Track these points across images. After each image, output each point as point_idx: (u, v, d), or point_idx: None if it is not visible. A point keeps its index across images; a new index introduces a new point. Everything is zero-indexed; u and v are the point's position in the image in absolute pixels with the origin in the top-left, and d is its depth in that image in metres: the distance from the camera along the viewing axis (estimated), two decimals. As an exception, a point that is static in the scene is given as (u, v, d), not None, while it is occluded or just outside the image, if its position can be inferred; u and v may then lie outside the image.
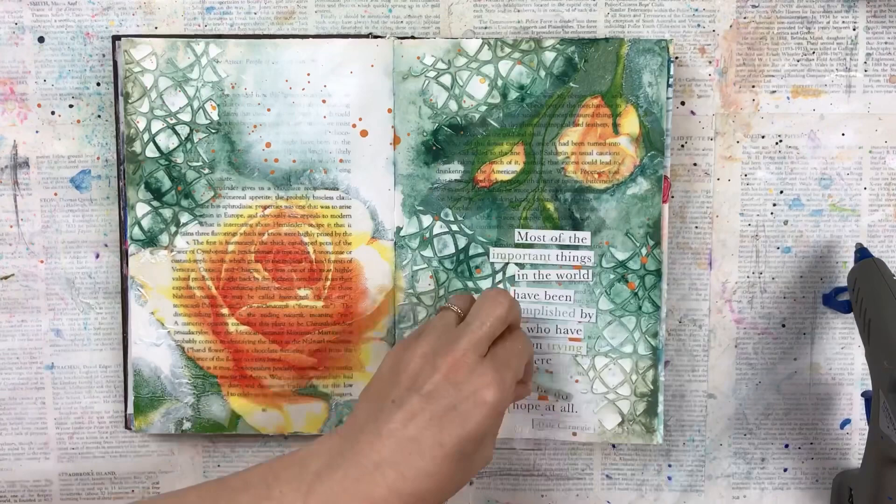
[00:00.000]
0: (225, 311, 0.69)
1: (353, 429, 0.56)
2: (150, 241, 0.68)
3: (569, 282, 0.68)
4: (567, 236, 0.68)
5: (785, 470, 0.72)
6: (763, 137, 0.70)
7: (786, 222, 0.70)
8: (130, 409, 0.70)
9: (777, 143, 0.70)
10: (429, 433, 0.55)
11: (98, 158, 0.70)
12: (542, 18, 0.69)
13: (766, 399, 0.72)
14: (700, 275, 0.71)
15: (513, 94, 0.67)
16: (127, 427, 0.70)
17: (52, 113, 0.70)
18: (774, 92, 0.70)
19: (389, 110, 0.67)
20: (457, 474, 0.55)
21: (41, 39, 0.69)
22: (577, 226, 0.67)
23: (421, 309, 0.69)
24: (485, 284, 0.68)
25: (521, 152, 0.67)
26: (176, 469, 0.73)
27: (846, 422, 0.72)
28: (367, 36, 0.68)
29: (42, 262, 0.71)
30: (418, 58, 0.67)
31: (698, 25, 0.69)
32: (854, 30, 0.69)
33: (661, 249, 0.67)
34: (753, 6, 0.69)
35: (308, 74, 0.67)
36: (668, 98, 0.66)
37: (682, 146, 0.70)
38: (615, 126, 0.67)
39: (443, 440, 0.54)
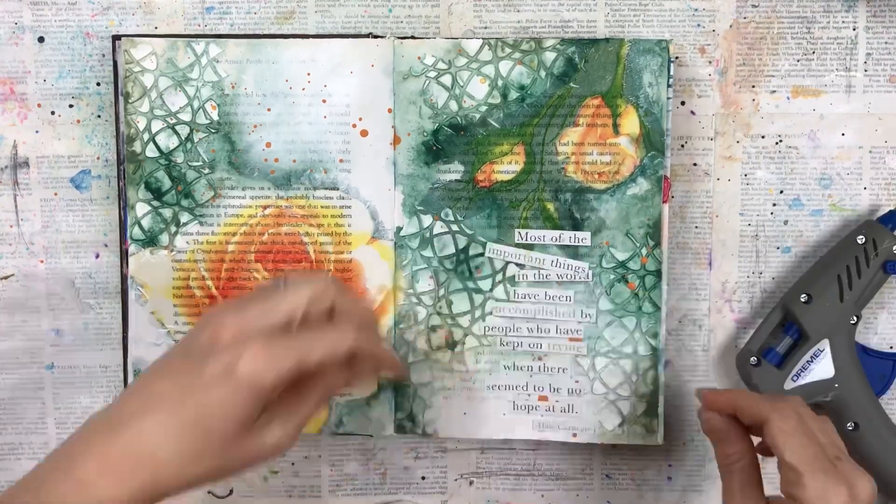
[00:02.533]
0: (225, 311, 0.69)
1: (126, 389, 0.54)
2: (150, 240, 0.68)
3: (569, 282, 0.68)
4: (567, 236, 0.68)
5: (785, 470, 0.72)
6: (763, 137, 0.70)
7: (786, 222, 0.70)
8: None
9: (777, 143, 0.70)
10: (175, 392, 0.51)
11: (98, 158, 0.70)
12: (542, 18, 0.69)
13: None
14: (700, 275, 0.71)
15: (513, 95, 0.67)
16: (127, 427, 0.70)
17: (52, 113, 0.70)
18: (774, 92, 0.70)
19: (389, 110, 0.68)
20: (204, 454, 0.50)
21: (41, 39, 0.69)
22: (577, 226, 0.67)
23: (421, 309, 0.69)
24: (485, 284, 0.68)
25: (521, 152, 0.67)
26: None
27: (846, 422, 0.72)
28: (367, 36, 0.68)
29: (42, 262, 0.71)
30: (419, 58, 0.67)
31: (698, 25, 0.69)
32: (854, 30, 0.69)
33: (662, 250, 0.67)
34: (753, 6, 0.69)
35: (308, 74, 0.67)
36: (668, 98, 0.66)
37: (682, 146, 0.70)
38: (615, 126, 0.67)
39: (185, 401, 0.50)
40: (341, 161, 0.68)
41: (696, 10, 0.69)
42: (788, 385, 0.67)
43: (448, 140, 0.67)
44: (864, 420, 0.68)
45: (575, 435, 0.69)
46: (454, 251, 0.68)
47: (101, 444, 0.50)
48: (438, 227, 0.68)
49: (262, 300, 0.53)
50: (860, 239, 0.67)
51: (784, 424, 0.56)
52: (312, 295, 0.54)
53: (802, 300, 0.67)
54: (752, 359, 0.68)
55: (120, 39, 0.67)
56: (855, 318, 0.67)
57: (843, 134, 0.70)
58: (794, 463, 0.54)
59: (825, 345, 0.67)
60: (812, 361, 0.67)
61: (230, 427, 0.50)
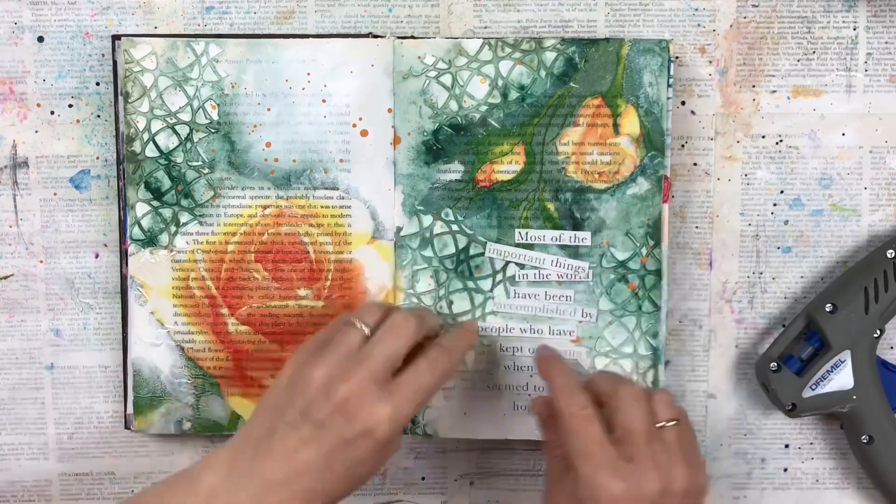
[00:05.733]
0: (225, 311, 0.69)
1: (247, 443, 0.58)
2: (150, 240, 0.68)
3: (569, 282, 0.68)
4: (567, 236, 0.68)
5: (785, 470, 0.72)
6: (763, 137, 0.70)
7: (786, 222, 0.70)
8: (130, 409, 0.70)
9: (777, 143, 0.70)
10: (320, 460, 0.56)
11: (98, 158, 0.70)
12: (542, 18, 0.69)
13: (767, 399, 0.71)
14: (700, 275, 0.71)
15: (513, 94, 0.67)
16: (127, 427, 0.70)
17: (52, 113, 0.70)
18: (775, 92, 0.70)
19: (389, 110, 0.67)
20: (351, 484, 0.58)
21: (40, 39, 0.69)
22: (577, 226, 0.67)
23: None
24: (485, 284, 0.68)
25: (521, 152, 0.67)
26: (175, 469, 0.72)
27: (846, 422, 0.72)
28: (367, 36, 0.68)
29: (42, 262, 0.71)
30: (419, 57, 0.67)
31: (698, 25, 0.69)
32: (854, 29, 0.69)
33: (662, 249, 0.67)
34: (754, 6, 0.69)
35: (308, 74, 0.67)
36: (668, 98, 0.66)
37: (683, 146, 0.70)
38: (615, 126, 0.67)
39: (333, 466, 0.56)
40: (341, 161, 0.68)
41: (696, 9, 0.69)
42: (807, 393, 0.67)
43: (448, 140, 0.67)
44: (879, 434, 0.68)
45: (575, 435, 0.69)
46: (454, 251, 0.68)
47: (259, 501, 0.56)
48: (438, 227, 0.68)
49: (361, 361, 0.58)
50: (890, 253, 0.67)
51: (569, 411, 0.58)
52: (408, 343, 0.60)
53: (828, 310, 0.67)
54: (772, 364, 0.68)
55: (119, 39, 0.67)
56: (878, 332, 0.67)
57: (843, 134, 0.70)
58: (574, 453, 0.57)
59: (846, 356, 0.67)
60: (832, 371, 0.67)
61: (375, 464, 0.58)
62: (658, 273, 0.67)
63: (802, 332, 0.68)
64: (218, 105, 0.67)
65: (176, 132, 0.68)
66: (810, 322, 0.68)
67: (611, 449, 0.56)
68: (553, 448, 0.62)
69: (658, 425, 0.58)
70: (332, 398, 0.56)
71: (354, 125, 0.68)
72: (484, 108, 0.67)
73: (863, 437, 0.68)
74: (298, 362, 0.59)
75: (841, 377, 0.67)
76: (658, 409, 0.59)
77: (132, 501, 0.59)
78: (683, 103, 0.70)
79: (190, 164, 0.68)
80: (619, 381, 0.60)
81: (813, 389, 0.67)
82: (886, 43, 0.69)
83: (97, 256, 0.71)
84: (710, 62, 0.69)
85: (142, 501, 0.58)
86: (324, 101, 0.67)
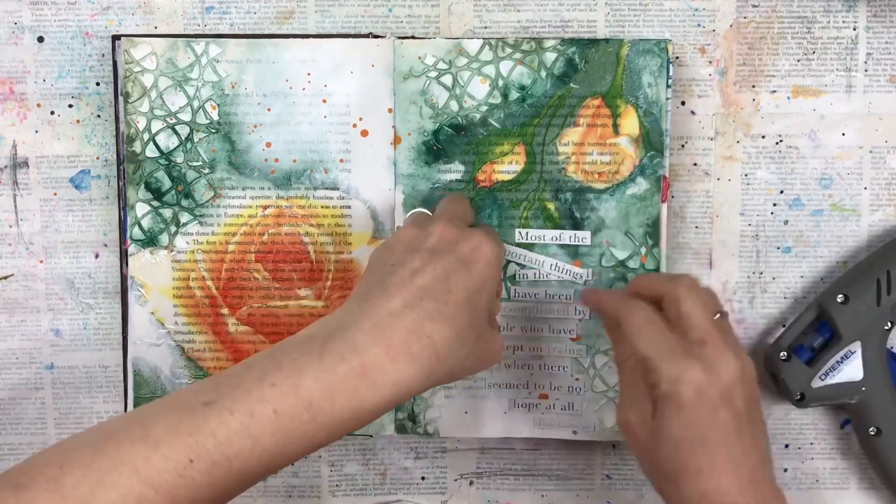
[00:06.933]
0: (225, 311, 0.69)
1: (357, 297, 0.56)
2: (150, 240, 0.68)
3: (569, 281, 0.68)
4: (567, 236, 0.68)
5: (785, 470, 0.72)
6: (763, 137, 0.70)
7: (786, 222, 0.70)
8: (130, 409, 0.69)
9: (777, 143, 0.70)
10: (436, 282, 0.55)
11: (98, 158, 0.70)
12: (542, 18, 0.69)
13: (767, 399, 0.72)
14: (700, 275, 0.71)
15: (514, 95, 0.67)
16: (127, 427, 0.70)
17: (52, 113, 0.70)
18: (775, 92, 0.70)
19: (390, 110, 0.67)
20: (470, 331, 0.55)
21: (41, 39, 0.69)
22: (577, 225, 0.68)
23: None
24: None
25: (521, 152, 0.67)
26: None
27: (847, 422, 0.72)
28: (367, 36, 0.68)
29: (42, 262, 0.71)
30: (419, 58, 0.67)
31: (698, 25, 0.69)
32: (854, 29, 0.69)
33: (660, 249, 0.67)
34: (754, 6, 0.69)
35: (308, 74, 0.67)
36: (667, 99, 0.66)
37: (683, 146, 0.70)
38: (615, 126, 0.67)
39: (450, 287, 0.55)
40: (341, 161, 0.68)
41: (696, 10, 0.69)
42: (816, 383, 0.67)
43: (449, 140, 0.67)
44: (886, 426, 0.68)
45: (575, 433, 0.69)
46: (454, 251, 0.68)
47: (382, 334, 0.53)
48: (439, 227, 0.68)
49: (448, 214, 0.61)
50: None
51: (632, 321, 0.58)
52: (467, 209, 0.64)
53: (839, 300, 0.67)
54: (782, 354, 0.68)
55: (120, 39, 0.67)
56: (890, 324, 0.67)
57: (843, 134, 0.70)
58: (647, 353, 0.57)
59: (857, 347, 0.67)
60: (842, 362, 0.67)
61: (488, 299, 0.57)
62: (657, 272, 0.68)
63: (812, 323, 0.69)
64: (218, 105, 0.68)
65: (176, 132, 0.68)
66: (821, 312, 0.68)
67: (682, 340, 0.57)
68: (623, 360, 0.61)
69: (715, 317, 0.59)
70: (431, 233, 0.58)
71: (355, 125, 0.68)
72: (484, 108, 0.67)
73: (870, 429, 0.68)
74: (383, 242, 0.60)
75: (850, 368, 0.67)
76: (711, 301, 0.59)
77: (241, 364, 0.55)
78: (683, 103, 0.70)
79: (190, 164, 0.68)
80: (674, 277, 0.60)
81: (822, 380, 0.67)
82: (886, 43, 0.69)
83: (97, 256, 0.71)
84: (710, 62, 0.69)
85: (251, 363, 0.54)
86: (324, 101, 0.67)
